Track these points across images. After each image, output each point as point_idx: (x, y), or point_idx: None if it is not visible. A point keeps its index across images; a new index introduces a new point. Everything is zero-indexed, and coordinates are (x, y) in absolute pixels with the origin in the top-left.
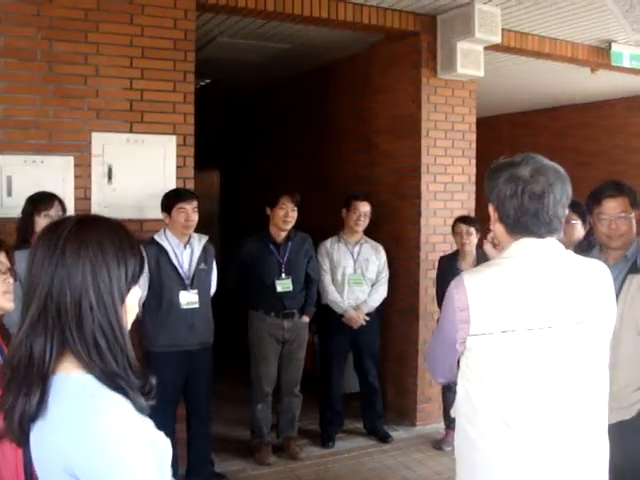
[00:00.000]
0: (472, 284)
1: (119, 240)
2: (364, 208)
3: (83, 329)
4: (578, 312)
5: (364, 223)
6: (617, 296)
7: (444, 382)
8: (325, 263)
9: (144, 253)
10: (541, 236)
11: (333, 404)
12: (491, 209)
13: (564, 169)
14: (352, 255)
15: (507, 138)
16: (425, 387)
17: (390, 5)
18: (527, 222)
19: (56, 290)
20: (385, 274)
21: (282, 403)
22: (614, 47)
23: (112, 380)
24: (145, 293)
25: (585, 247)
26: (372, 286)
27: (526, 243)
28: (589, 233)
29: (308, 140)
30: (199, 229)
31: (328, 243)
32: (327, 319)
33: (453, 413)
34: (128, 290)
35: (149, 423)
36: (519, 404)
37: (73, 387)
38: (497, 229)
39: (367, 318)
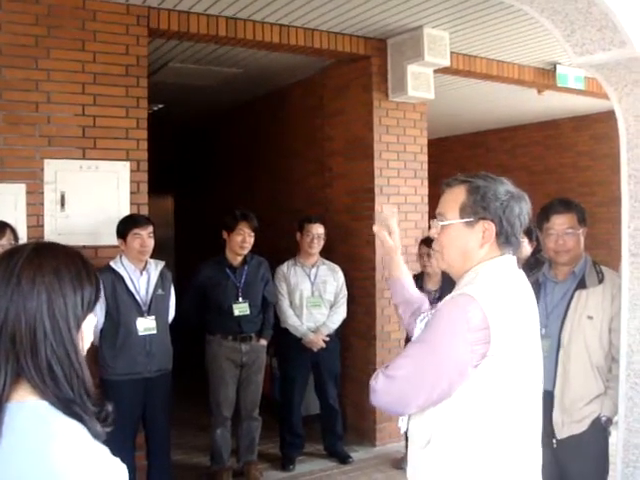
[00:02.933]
0: (486, 301)
1: (75, 267)
2: (317, 230)
3: (38, 356)
4: (538, 325)
5: (318, 245)
6: (565, 312)
7: (405, 414)
8: (282, 287)
9: (100, 280)
10: (514, 252)
11: (294, 427)
12: (483, 226)
13: (516, 187)
14: (309, 278)
15: (458, 159)
16: None
17: (341, 30)
18: (517, 239)
19: (11, 317)
20: (343, 295)
21: (241, 427)
22: (559, 69)
23: (67, 406)
24: (102, 320)
25: (533, 264)
26: (331, 308)
27: (510, 259)
28: (536, 250)
29: (262, 164)
30: (155, 254)
31: (285, 267)
32: (286, 342)
33: (403, 427)
34: (84, 317)
35: (105, 450)
36: (528, 422)
37: (27, 413)
38: (485, 247)
39: (327, 339)
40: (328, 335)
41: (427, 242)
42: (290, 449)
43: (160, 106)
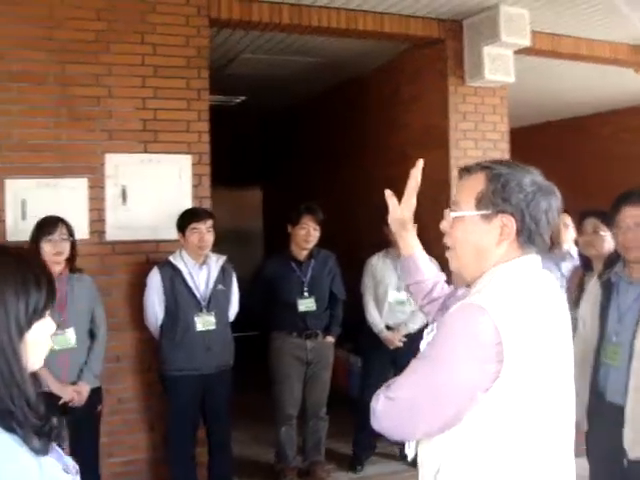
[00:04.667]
0: (499, 312)
1: (22, 273)
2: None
3: None
4: (569, 339)
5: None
6: (638, 321)
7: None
8: (369, 280)
9: (54, 285)
10: (539, 252)
11: (367, 425)
12: (502, 221)
13: (545, 179)
14: (396, 271)
15: (547, 147)
16: None
17: (412, 12)
18: (544, 237)
19: None
20: None
21: (308, 426)
22: None
23: (3, 419)
24: (161, 316)
25: (614, 259)
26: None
27: (533, 260)
28: None
29: (341, 154)
30: (244, 247)
31: (374, 259)
32: (367, 337)
33: (411, 453)
34: (29, 325)
35: (49, 464)
36: (553, 455)
37: None
38: (503, 245)
39: (404, 340)
40: (407, 335)
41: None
42: (361, 448)
43: (242, 98)
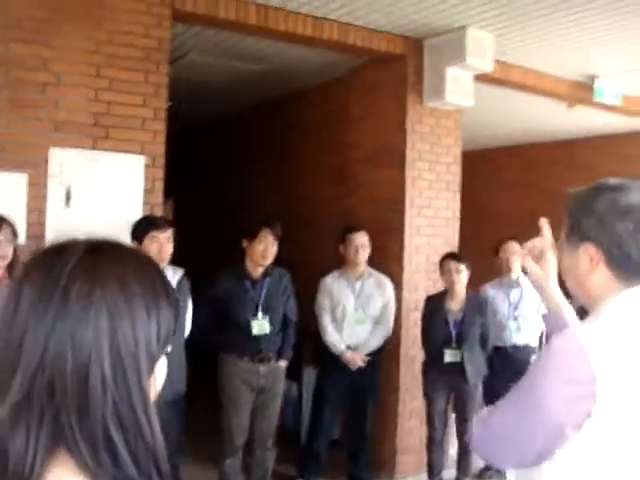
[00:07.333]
0: (597, 346)
1: (150, 279)
2: (361, 239)
3: (89, 416)
4: None
5: (364, 254)
6: None
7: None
8: (324, 301)
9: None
10: None
11: (318, 453)
12: (587, 250)
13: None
14: (353, 292)
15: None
16: (404, 437)
17: (376, 26)
18: None
19: (51, 355)
20: (390, 310)
21: (254, 457)
22: (597, 82)
23: None
24: None
25: None
26: (375, 324)
27: None
28: None
29: (276, 170)
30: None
31: (329, 279)
32: (325, 360)
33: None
34: (160, 354)
35: None
36: None
37: None
38: (596, 277)
39: (366, 359)
40: (370, 354)
41: (454, 257)
42: (310, 475)
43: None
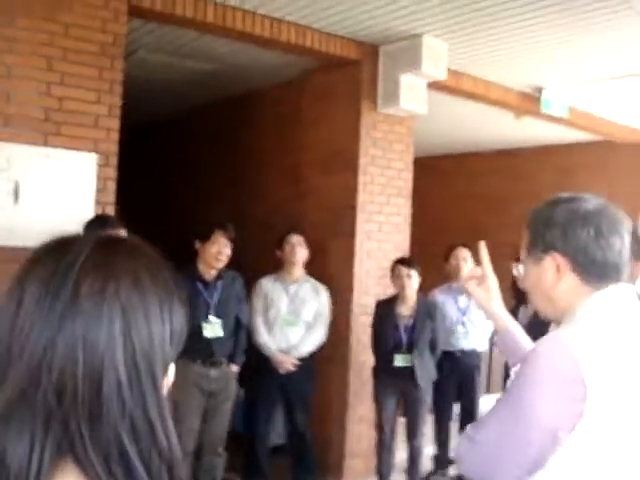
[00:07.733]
0: (582, 346)
1: (162, 274)
2: (297, 238)
3: (102, 423)
4: None
5: (300, 253)
6: None
7: None
8: (258, 302)
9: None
10: (620, 281)
11: (258, 460)
12: (554, 259)
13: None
14: (287, 294)
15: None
16: (353, 441)
17: (333, 30)
18: (613, 266)
19: (59, 357)
20: (324, 317)
21: (202, 463)
22: (545, 94)
23: None
24: None
25: None
26: (308, 329)
27: (620, 291)
28: None
29: (227, 171)
30: None
31: (265, 281)
32: (255, 362)
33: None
34: (172, 357)
35: None
36: None
37: None
38: (564, 284)
39: (297, 363)
40: (300, 359)
41: (404, 262)
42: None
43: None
